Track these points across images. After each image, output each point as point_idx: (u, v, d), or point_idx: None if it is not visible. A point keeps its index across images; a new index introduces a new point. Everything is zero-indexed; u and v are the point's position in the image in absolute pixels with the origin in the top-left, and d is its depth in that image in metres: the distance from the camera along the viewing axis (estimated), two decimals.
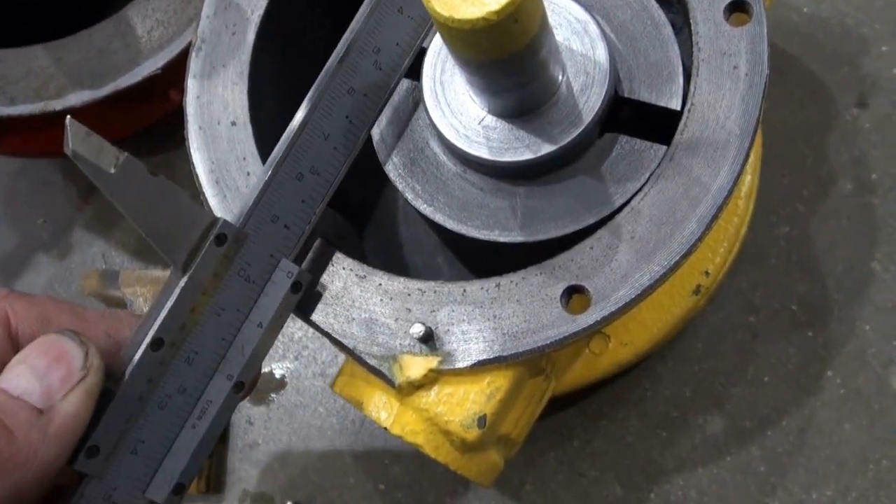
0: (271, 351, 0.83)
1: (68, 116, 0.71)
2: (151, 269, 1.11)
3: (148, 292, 1.09)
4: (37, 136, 1.02)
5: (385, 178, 0.89)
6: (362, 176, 0.87)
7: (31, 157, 1.12)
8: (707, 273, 0.96)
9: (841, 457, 1.06)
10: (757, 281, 1.09)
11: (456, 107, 0.83)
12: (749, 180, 0.98)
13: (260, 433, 1.13)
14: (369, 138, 0.86)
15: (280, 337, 0.92)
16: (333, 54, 0.82)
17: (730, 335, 1.10)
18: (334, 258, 0.83)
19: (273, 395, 1.13)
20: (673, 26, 0.90)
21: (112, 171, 0.71)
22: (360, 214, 1.03)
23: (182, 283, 0.74)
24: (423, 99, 0.84)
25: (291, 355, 1.13)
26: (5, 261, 1.18)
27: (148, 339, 0.73)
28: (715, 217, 0.78)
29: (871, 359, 1.08)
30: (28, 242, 1.20)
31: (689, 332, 1.06)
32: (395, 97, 0.88)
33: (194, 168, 0.87)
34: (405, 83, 0.88)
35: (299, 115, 0.81)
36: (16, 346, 0.70)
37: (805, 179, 1.10)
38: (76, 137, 0.70)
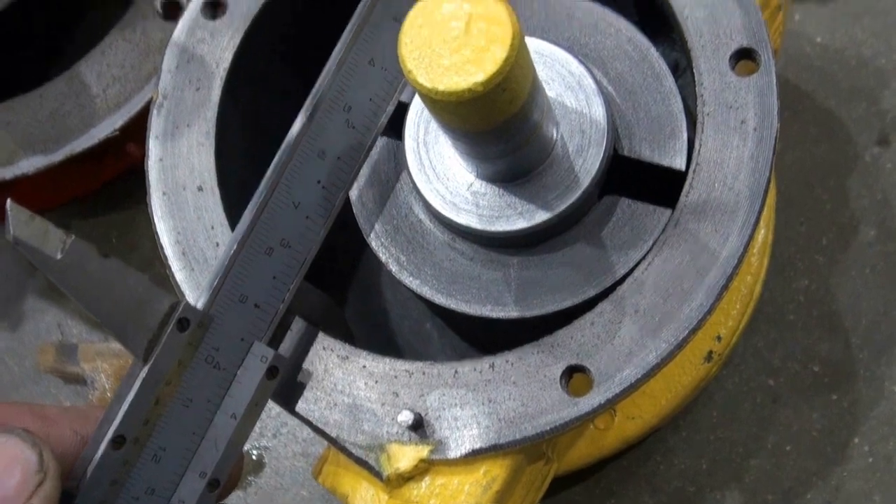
0: None
1: (9, 200, 0.71)
2: (112, 342, 1.12)
3: (110, 367, 1.09)
4: None
5: (357, 236, 0.89)
6: (339, 234, 0.86)
7: None
8: (719, 338, 0.96)
9: None
10: (775, 340, 1.09)
11: (442, 171, 0.83)
12: (762, 235, 0.97)
13: None
14: (347, 199, 0.86)
15: None
16: (300, 114, 0.82)
17: (747, 401, 1.09)
18: (317, 338, 0.84)
19: (250, 478, 1.12)
20: (676, 66, 0.91)
21: (59, 256, 0.72)
22: (339, 279, 1.03)
23: (143, 373, 0.74)
24: (405, 162, 0.84)
25: (269, 433, 1.13)
26: None
27: (108, 437, 0.73)
28: (725, 287, 0.78)
29: None
30: None
31: (702, 399, 1.06)
32: (374, 155, 0.89)
33: (159, 238, 0.87)
34: (384, 140, 0.89)
35: (265, 182, 0.81)
36: None
37: (823, 227, 1.11)
38: (18, 223, 0.70)
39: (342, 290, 1.02)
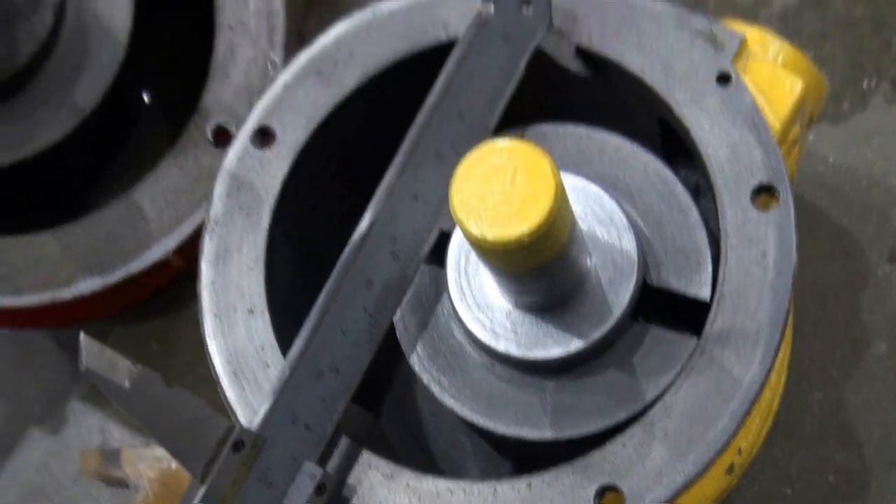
0: None
1: (82, 333, 0.76)
2: (155, 447, 1.13)
3: (152, 472, 1.11)
4: (40, 317, 1.06)
5: (399, 353, 0.92)
6: (380, 360, 0.90)
7: (22, 329, 1.17)
8: (740, 451, 0.98)
9: None
10: (792, 450, 1.12)
11: (482, 300, 0.87)
12: (781, 354, 0.99)
13: None
14: (389, 328, 0.89)
15: None
16: (348, 246, 0.87)
17: None
18: (361, 457, 0.87)
19: None
20: (697, 188, 0.95)
21: (127, 385, 0.77)
22: (377, 392, 1.05)
23: (201, 493, 0.78)
24: (447, 290, 0.88)
25: None
26: (2, 435, 1.21)
27: None
28: (748, 412, 0.83)
29: None
30: (19, 415, 1.22)
31: None
32: (416, 281, 0.92)
33: (210, 358, 0.91)
34: (426, 267, 0.92)
35: (315, 311, 0.85)
36: None
37: (837, 341, 1.13)
38: (90, 354, 0.76)
39: (379, 402, 1.04)
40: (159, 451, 1.13)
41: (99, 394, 1.21)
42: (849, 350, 1.14)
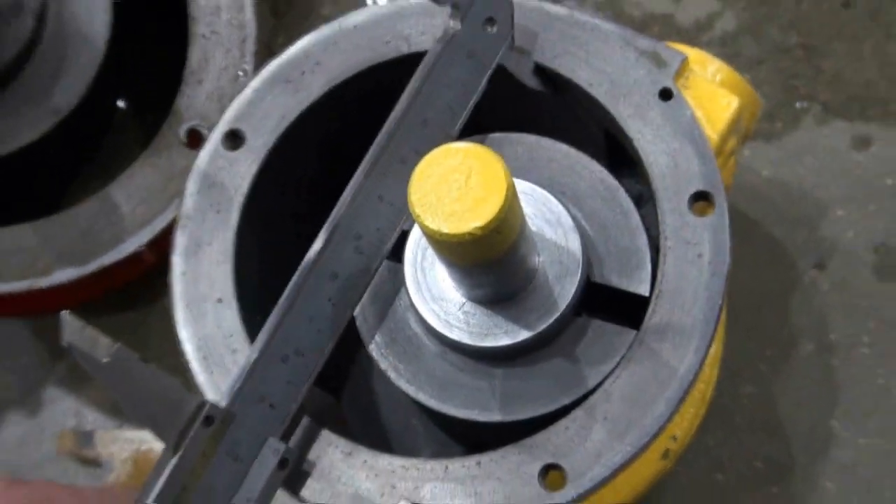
0: None
1: (64, 311, 0.78)
2: (127, 430, 1.18)
3: (124, 453, 1.15)
4: (19, 304, 1.08)
5: (359, 341, 0.95)
6: (341, 346, 0.92)
7: (3, 317, 1.18)
8: (675, 438, 1.03)
9: None
10: (723, 439, 1.17)
11: (437, 293, 0.90)
12: (714, 348, 1.04)
13: None
14: (351, 318, 0.93)
15: None
16: (316, 240, 0.90)
17: (697, 493, 1.16)
18: (321, 435, 0.90)
19: None
20: (640, 197, 0.99)
21: (106, 360, 0.79)
22: (336, 376, 1.10)
23: (172, 463, 0.81)
24: (404, 283, 0.91)
25: None
26: None
27: None
28: (682, 399, 0.87)
29: None
30: None
31: (658, 491, 1.10)
32: (376, 277, 0.94)
33: (181, 344, 0.94)
34: (385, 263, 0.95)
35: (284, 298, 0.88)
36: None
37: (768, 340, 1.19)
38: (72, 331, 0.78)
39: (340, 386, 1.08)
40: (132, 434, 1.17)
41: (74, 379, 1.27)
42: (778, 349, 1.19)
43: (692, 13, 1.27)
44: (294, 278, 0.89)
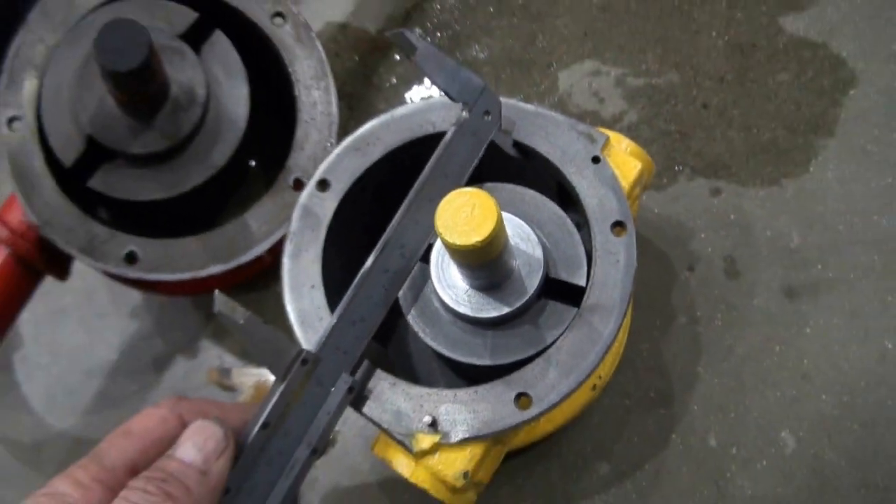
0: None
1: (216, 290, 0.77)
2: (251, 367, 1.15)
3: (250, 382, 1.13)
4: (186, 287, 1.06)
5: (401, 313, 0.92)
6: (389, 316, 0.90)
7: (174, 295, 1.16)
8: (600, 377, 1.01)
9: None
10: (630, 379, 1.13)
11: (450, 282, 0.88)
12: (626, 320, 1.00)
13: (320, 472, 1.16)
14: (396, 298, 0.90)
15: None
16: (375, 249, 0.88)
17: (612, 413, 1.13)
18: (376, 373, 0.87)
19: (329, 449, 1.16)
20: (579, 224, 0.95)
21: (241, 322, 0.78)
22: (386, 335, 1.06)
23: (280, 388, 0.79)
24: (430, 276, 0.89)
25: (342, 423, 1.15)
26: (160, 359, 1.21)
27: (259, 423, 0.77)
28: (605, 352, 0.84)
29: (698, 427, 1.11)
30: (170, 347, 1.21)
31: (587, 411, 1.09)
32: (412, 272, 0.92)
33: (288, 315, 0.91)
34: (418, 265, 0.92)
35: (354, 285, 0.86)
36: None
37: (657, 316, 1.15)
38: (220, 304, 0.77)
39: (388, 341, 1.05)
40: (255, 370, 1.14)
41: (218, 334, 1.24)
42: (663, 321, 1.15)
43: (611, 110, 1.26)
44: (360, 272, 0.87)
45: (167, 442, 0.72)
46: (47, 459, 1.20)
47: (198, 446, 0.71)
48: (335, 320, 0.85)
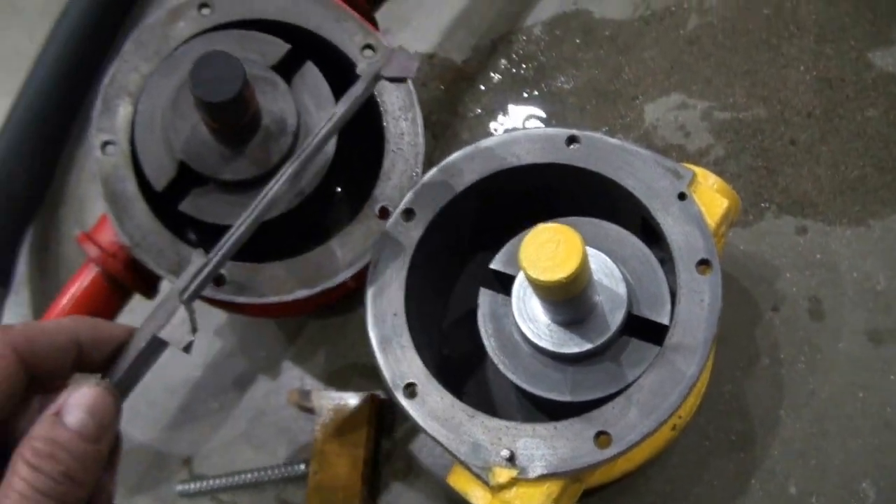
0: None
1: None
2: (332, 392, 1.14)
3: (329, 405, 1.12)
4: (272, 310, 1.08)
5: (482, 344, 0.92)
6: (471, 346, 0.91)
7: (259, 317, 1.18)
8: (680, 417, 0.99)
9: None
10: (710, 419, 1.11)
11: (532, 316, 0.88)
12: (709, 360, 0.97)
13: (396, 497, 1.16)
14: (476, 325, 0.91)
15: None
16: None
17: (692, 454, 1.11)
18: (453, 403, 0.86)
19: (410, 478, 1.16)
20: (663, 260, 0.94)
21: None
22: (469, 370, 1.05)
23: None
24: (511, 309, 0.89)
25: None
26: (242, 378, 1.23)
27: None
28: (688, 393, 0.83)
29: (778, 473, 1.08)
30: (253, 366, 1.23)
31: (667, 451, 1.08)
32: (496, 306, 0.93)
33: (370, 340, 0.91)
34: (500, 297, 0.92)
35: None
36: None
37: (739, 355, 1.13)
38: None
39: (470, 375, 1.04)
40: (334, 394, 1.14)
41: (299, 358, 1.24)
42: (746, 362, 1.13)
43: (697, 144, 1.24)
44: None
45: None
46: (127, 471, 1.21)
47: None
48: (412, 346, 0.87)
